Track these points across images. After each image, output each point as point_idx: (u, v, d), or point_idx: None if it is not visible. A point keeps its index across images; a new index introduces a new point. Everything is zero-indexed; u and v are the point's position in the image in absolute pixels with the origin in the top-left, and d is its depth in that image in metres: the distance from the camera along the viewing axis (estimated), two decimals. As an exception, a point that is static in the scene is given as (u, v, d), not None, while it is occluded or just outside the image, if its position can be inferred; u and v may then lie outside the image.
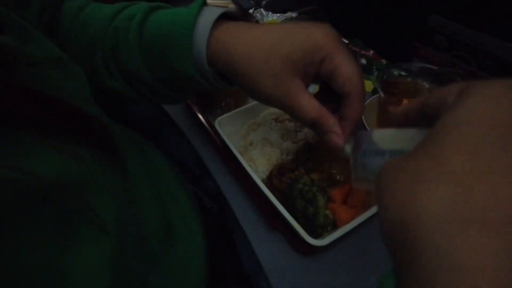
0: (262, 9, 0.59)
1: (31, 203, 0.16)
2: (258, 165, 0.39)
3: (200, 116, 0.45)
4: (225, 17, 0.28)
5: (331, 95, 0.26)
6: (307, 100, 0.25)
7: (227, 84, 0.29)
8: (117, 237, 0.20)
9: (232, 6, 0.28)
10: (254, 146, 0.41)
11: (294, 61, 0.24)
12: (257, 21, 0.29)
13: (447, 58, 0.53)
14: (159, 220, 0.29)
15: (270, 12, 0.58)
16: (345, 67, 0.24)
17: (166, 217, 0.30)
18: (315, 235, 0.32)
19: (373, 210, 0.33)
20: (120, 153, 0.24)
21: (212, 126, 0.43)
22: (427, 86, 0.38)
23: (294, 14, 0.57)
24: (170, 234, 0.30)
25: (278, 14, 0.57)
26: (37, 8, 0.30)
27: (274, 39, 0.24)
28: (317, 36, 0.24)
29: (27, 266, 0.15)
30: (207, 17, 0.26)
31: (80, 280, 0.17)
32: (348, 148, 0.24)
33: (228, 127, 0.43)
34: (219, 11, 0.27)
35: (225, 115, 0.43)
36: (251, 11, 0.60)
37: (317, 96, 0.27)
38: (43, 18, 0.31)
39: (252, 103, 0.45)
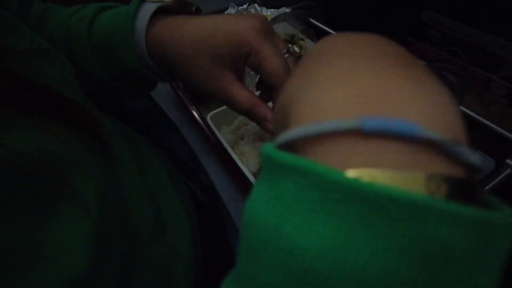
0: (256, 4, 0.59)
1: (11, 177, 0.16)
2: (249, 159, 0.40)
3: (193, 111, 0.46)
4: (163, 10, 0.29)
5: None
6: (239, 92, 0.26)
7: (170, 75, 0.31)
8: (99, 218, 0.20)
9: (168, 0, 0.29)
10: (245, 140, 0.42)
11: (222, 56, 0.25)
12: (198, 10, 0.30)
13: (441, 53, 0.53)
14: (148, 210, 0.30)
15: (264, 8, 0.58)
16: (269, 62, 0.24)
17: (155, 207, 0.31)
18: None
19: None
20: (105, 139, 0.25)
21: (205, 121, 0.44)
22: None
23: (288, 10, 0.57)
24: (159, 224, 0.31)
25: (272, 10, 0.58)
26: (16, 3, 0.31)
27: (203, 36, 0.25)
28: (241, 31, 0.25)
29: (2, 238, 0.15)
30: (145, 13, 0.28)
31: (56, 256, 0.17)
32: None
33: (220, 122, 0.44)
34: (155, 6, 0.28)
35: (218, 110, 0.44)
36: (245, 6, 0.60)
37: (258, 83, 0.28)
38: (21, 11, 0.32)
39: (245, 98, 0.45)
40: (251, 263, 0.11)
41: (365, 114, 0.09)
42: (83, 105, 0.24)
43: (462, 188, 0.09)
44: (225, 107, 0.44)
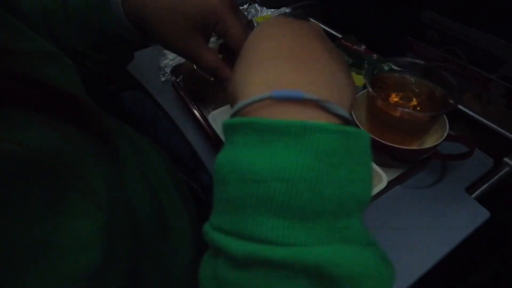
0: (256, 4, 0.60)
1: (25, 173, 0.16)
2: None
3: (194, 111, 0.46)
4: None
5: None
6: (207, 53, 0.30)
7: (146, 36, 0.33)
8: (109, 213, 0.21)
9: None
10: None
11: (193, 21, 0.29)
12: None
13: (439, 52, 0.53)
14: (151, 208, 0.30)
15: (264, 8, 0.58)
16: (234, 30, 0.29)
17: (157, 206, 0.32)
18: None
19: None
20: (111, 139, 0.26)
21: (206, 120, 0.44)
22: (414, 80, 0.39)
23: (287, 10, 0.57)
24: (162, 223, 0.31)
25: (272, 10, 0.58)
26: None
27: (179, 4, 0.29)
28: (212, 3, 0.29)
29: (17, 235, 0.15)
30: None
31: (71, 250, 0.18)
32: None
33: (222, 121, 0.44)
34: None
35: (219, 109, 0.44)
36: (245, 6, 0.61)
37: (220, 47, 0.33)
38: None
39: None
40: (223, 191, 0.16)
41: (273, 89, 0.16)
42: (88, 103, 0.24)
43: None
44: (226, 106, 0.45)
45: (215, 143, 0.43)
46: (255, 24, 0.32)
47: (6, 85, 0.17)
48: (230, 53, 0.31)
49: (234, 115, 0.17)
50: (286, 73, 0.17)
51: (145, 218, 0.29)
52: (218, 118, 0.43)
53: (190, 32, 0.29)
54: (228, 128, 0.17)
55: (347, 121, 0.17)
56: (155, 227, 0.30)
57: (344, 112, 0.17)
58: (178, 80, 0.52)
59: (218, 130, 0.41)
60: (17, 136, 0.16)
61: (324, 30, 0.61)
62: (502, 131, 0.45)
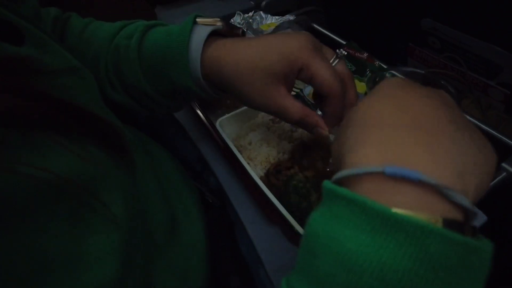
0: (261, 12, 0.61)
1: (49, 197, 0.18)
2: (256, 164, 0.42)
3: (202, 117, 0.48)
4: (215, 33, 0.31)
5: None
6: (291, 104, 0.28)
7: (221, 92, 0.33)
8: (126, 228, 0.22)
9: (219, 24, 0.31)
10: (253, 145, 0.44)
11: (275, 73, 0.27)
12: (243, 32, 0.32)
13: (440, 59, 0.55)
14: (164, 214, 0.31)
15: (268, 15, 0.60)
16: (320, 75, 0.27)
17: (170, 211, 0.33)
18: (308, 228, 0.35)
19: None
20: (129, 153, 0.27)
21: (214, 126, 0.45)
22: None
23: (292, 17, 0.59)
24: (174, 226, 0.32)
25: (277, 17, 0.59)
26: (50, 22, 0.33)
27: (257, 54, 0.28)
28: (293, 49, 0.27)
29: (45, 252, 0.17)
30: (199, 35, 0.29)
31: (92, 264, 0.19)
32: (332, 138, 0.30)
33: (229, 127, 0.45)
34: (209, 29, 0.30)
35: (226, 116, 0.46)
36: (250, 14, 0.62)
37: (313, 94, 0.32)
38: (55, 31, 0.34)
39: (251, 104, 0.47)
40: (311, 260, 0.16)
41: (387, 162, 0.15)
42: (109, 120, 0.25)
43: (452, 223, 0.14)
44: (233, 113, 0.46)
45: (222, 148, 0.44)
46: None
47: (32, 108, 0.18)
48: (321, 97, 0.30)
49: (337, 181, 0.16)
50: (404, 146, 0.16)
51: (159, 225, 0.30)
52: (225, 124, 0.45)
53: (272, 87, 0.28)
54: (332, 194, 0.16)
55: (469, 212, 0.15)
56: (169, 233, 0.31)
57: (467, 203, 0.14)
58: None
59: (225, 136, 0.42)
60: (41, 161, 0.17)
61: (328, 36, 0.62)
62: (500, 136, 0.46)
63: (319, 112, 0.31)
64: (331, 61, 0.29)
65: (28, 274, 0.16)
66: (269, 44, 0.28)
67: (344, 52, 0.31)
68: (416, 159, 0.15)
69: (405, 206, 0.14)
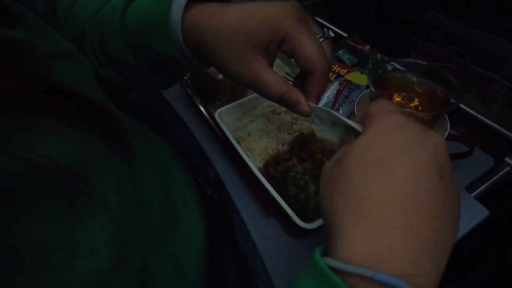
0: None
1: (42, 182, 0.17)
2: (255, 155, 0.42)
3: (201, 108, 0.48)
4: None
5: None
6: (270, 77, 0.26)
7: (205, 61, 0.31)
8: (120, 217, 0.22)
9: None
10: (251, 136, 0.43)
11: (256, 41, 0.25)
12: None
13: (444, 52, 0.54)
14: (162, 204, 0.31)
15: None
16: (305, 47, 0.25)
17: (168, 201, 0.33)
18: (307, 220, 0.34)
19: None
20: (127, 141, 0.26)
21: (213, 118, 0.45)
22: (416, 80, 0.39)
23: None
24: (172, 217, 0.32)
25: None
26: (42, 1, 0.32)
27: (238, 21, 0.26)
28: (276, 17, 0.25)
29: (39, 239, 0.17)
30: (179, 1, 0.28)
31: (86, 253, 0.19)
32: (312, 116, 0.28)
33: (228, 119, 0.45)
34: None
35: (225, 107, 0.45)
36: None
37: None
38: (47, 10, 0.33)
39: (250, 96, 0.47)
40: None
41: (376, 269, 0.16)
42: (105, 106, 0.24)
43: None
44: (232, 104, 0.46)
45: (221, 139, 0.44)
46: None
47: (28, 91, 0.18)
48: (302, 74, 0.28)
49: (332, 267, 0.17)
50: (394, 246, 0.17)
51: (156, 214, 0.30)
52: (224, 115, 0.45)
53: (250, 55, 0.26)
54: (327, 280, 0.17)
55: None
56: (166, 222, 0.31)
57: None
58: (185, 77, 0.54)
59: (224, 127, 0.42)
60: (37, 146, 0.17)
61: (330, 29, 0.62)
62: (504, 130, 0.45)
63: None
64: (318, 36, 0.27)
65: (22, 261, 0.16)
66: (251, 9, 0.26)
67: (331, 34, 0.28)
68: (398, 261, 0.17)
69: None
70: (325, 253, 0.19)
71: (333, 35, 0.27)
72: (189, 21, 0.28)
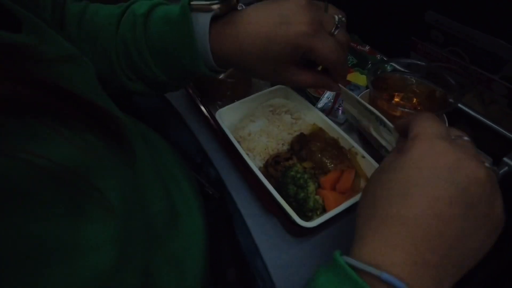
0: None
1: (45, 184, 0.18)
2: (255, 154, 0.42)
3: (202, 108, 0.48)
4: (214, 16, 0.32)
5: None
6: (302, 75, 0.33)
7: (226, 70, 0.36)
8: (122, 217, 0.22)
9: (215, 7, 0.31)
10: (252, 136, 0.44)
11: (281, 60, 0.31)
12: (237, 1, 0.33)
13: (443, 53, 0.54)
14: (163, 204, 0.31)
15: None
16: (323, 54, 0.31)
17: (169, 201, 0.33)
18: (306, 218, 0.35)
19: (359, 196, 0.35)
20: (128, 142, 0.26)
21: (214, 118, 0.45)
22: (414, 81, 0.40)
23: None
24: (173, 216, 0.32)
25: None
26: (49, 7, 0.33)
27: (261, 49, 0.31)
28: (294, 40, 0.30)
29: (42, 239, 0.17)
30: (201, 26, 0.31)
31: (88, 253, 0.19)
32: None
33: (228, 119, 0.46)
34: (208, 18, 0.31)
35: (226, 107, 0.46)
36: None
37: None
38: (54, 17, 0.34)
39: (251, 96, 0.47)
40: None
41: (385, 271, 0.19)
42: (106, 108, 0.25)
43: None
44: (233, 104, 0.46)
45: (221, 139, 0.44)
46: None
47: (32, 95, 0.18)
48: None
49: (353, 266, 0.20)
50: (416, 254, 0.19)
51: (157, 214, 0.30)
52: (224, 115, 0.45)
53: (281, 69, 0.32)
54: (347, 275, 0.20)
55: None
56: (168, 222, 0.31)
57: None
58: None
59: (225, 127, 0.42)
60: (40, 149, 0.18)
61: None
62: (502, 130, 0.46)
63: None
64: (332, 30, 0.32)
65: (25, 260, 0.16)
66: (270, 36, 0.30)
67: (343, 19, 0.32)
68: (420, 271, 0.19)
69: None
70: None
71: (344, 20, 0.32)
72: (215, 49, 0.32)
